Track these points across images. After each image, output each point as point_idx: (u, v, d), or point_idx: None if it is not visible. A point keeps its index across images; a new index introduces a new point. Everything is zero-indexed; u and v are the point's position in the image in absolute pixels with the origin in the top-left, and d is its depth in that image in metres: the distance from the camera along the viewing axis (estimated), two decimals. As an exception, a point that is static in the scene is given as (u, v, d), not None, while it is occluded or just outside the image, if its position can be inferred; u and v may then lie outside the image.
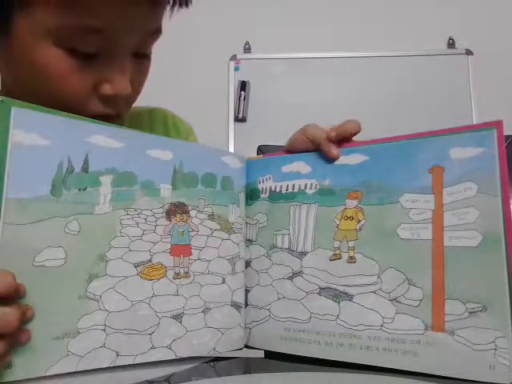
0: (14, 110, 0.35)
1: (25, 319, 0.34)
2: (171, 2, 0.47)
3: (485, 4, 2.05)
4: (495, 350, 0.35)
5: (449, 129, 0.40)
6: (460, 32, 2.06)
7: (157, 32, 0.48)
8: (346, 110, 2.02)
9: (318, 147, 0.46)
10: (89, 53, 0.43)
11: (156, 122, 0.69)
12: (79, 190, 0.38)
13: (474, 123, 0.42)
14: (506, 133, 0.39)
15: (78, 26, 0.41)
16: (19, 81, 0.47)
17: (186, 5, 0.48)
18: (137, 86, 0.49)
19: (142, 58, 0.49)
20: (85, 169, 0.38)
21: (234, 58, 2.13)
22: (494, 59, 2.01)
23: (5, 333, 0.32)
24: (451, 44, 2.08)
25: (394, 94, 2.04)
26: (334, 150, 0.45)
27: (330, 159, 0.45)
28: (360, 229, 0.43)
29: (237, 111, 2.07)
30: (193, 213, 0.45)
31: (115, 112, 0.48)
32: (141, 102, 0.55)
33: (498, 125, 0.38)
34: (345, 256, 0.43)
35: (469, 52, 2.05)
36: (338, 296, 0.42)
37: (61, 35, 0.42)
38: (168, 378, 0.38)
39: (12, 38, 0.43)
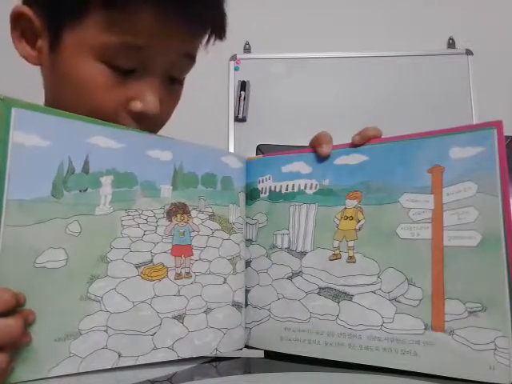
0: (14, 111, 0.35)
1: (27, 324, 0.34)
2: (209, 32, 0.50)
3: (485, 4, 2.05)
4: (495, 350, 0.35)
5: (448, 129, 0.40)
6: (460, 32, 2.05)
7: (191, 58, 0.51)
8: (346, 109, 2.02)
9: (314, 147, 0.47)
10: (127, 69, 0.46)
11: None
12: (80, 191, 0.38)
13: (474, 123, 0.42)
14: (506, 133, 0.39)
15: (120, 42, 0.44)
16: (60, 96, 0.49)
17: (220, 38, 0.51)
18: (166, 108, 0.51)
19: (174, 83, 0.51)
20: (85, 170, 0.39)
21: (234, 58, 2.13)
22: (494, 59, 2.01)
23: (8, 344, 0.32)
24: (451, 44, 2.08)
25: (394, 94, 2.04)
26: (324, 149, 0.45)
27: (329, 159, 0.46)
28: (360, 229, 0.43)
29: (237, 111, 2.07)
30: (193, 213, 0.45)
31: (141, 130, 0.49)
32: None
33: (497, 125, 0.38)
34: (344, 256, 0.43)
35: (469, 52, 2.05)
36: (338, 296, 0.42)
37: (104, 51, 0.45)
38: (170, 378, 0.38)
39: (60, 53, 0.46)
